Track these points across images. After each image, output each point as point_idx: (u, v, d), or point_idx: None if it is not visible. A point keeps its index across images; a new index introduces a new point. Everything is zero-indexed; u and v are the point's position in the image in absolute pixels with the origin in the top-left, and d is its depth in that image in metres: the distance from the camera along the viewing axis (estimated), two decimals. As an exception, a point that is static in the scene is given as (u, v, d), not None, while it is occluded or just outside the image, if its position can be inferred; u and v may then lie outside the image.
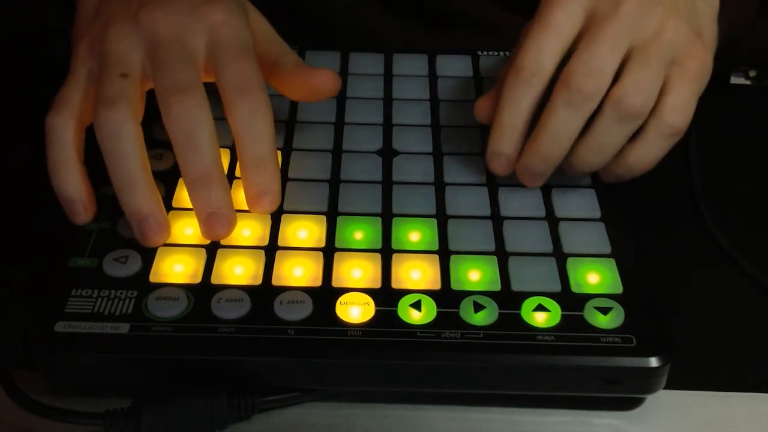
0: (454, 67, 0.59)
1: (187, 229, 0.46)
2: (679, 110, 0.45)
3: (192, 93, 0.43)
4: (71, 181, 0.45)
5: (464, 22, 0.64)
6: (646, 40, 0.44)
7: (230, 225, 0.44)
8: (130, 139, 0.43)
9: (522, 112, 0.46)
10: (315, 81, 0.48)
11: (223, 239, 0.45)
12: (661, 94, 0.45)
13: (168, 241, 0.45)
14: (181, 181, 0.48)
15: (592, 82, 0.43)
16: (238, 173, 0.49)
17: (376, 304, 0.42)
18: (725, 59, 0.57)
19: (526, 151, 0.46)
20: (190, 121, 0.43)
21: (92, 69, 0.46)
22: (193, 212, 0.46)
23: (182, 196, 0.48)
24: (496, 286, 0.43)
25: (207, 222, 0.44)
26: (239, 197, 0.48)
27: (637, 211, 0.49)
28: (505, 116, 0.46)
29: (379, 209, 0.48)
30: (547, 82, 0.45)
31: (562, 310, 0.42)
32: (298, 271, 0.44)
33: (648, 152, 0.46)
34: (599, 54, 0.44)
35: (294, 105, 0.55)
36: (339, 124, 0.54)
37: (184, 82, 0.44)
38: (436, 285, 0.43)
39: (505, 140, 0.47)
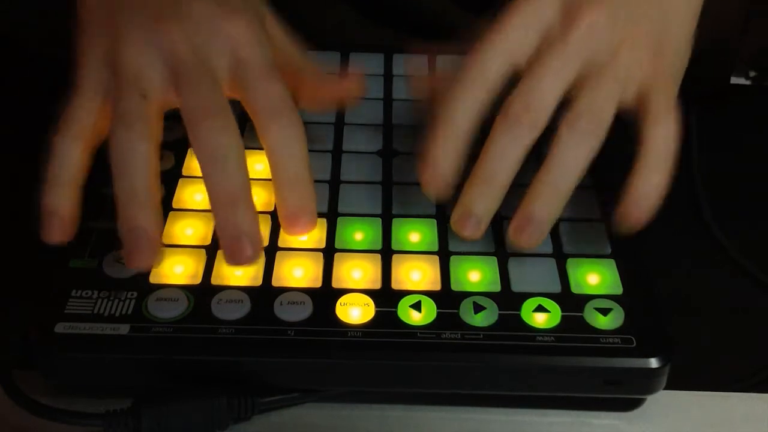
0: (454, 67, 0.59)
1: (187, 229, 0.46)
2: (664, 117, 0.43)
3: (221, 116, 0.42)
4: (62, 200, 0.42)
5: (433, 26, 0.64)
6: (599, 64, 0.43)
7: (257, 250, 0.41)
8: (144, 156, 0.42)
9: (463, 120, 0.44)
10: (344, 89, 0.49)
11: (242, 265, 0.43)
12: (643, 111, 0.44)
13: (168, 242, 0.45)
14: (181, 181, 0.48)
15: (530, 115, 0.43)
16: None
17: (376, 305, 0.42)
18: (725, 63, 0.56)
19: (468, 183, 0.44)
20: (219, 144, 0.42)
21: (103, 83, 0.44)
22: (194, 214, 0.46)
23: (182, 197, 0.48)
24: (496, 287, 0.43)
25: (232, 246, 0.41)
26: (239, 197, 0.48)
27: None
28: (446, 122, 0.44)
29: (379, 210, 0.48)
30: (492, 97, 0.44)
31: (562, 311, 0.42)
32: (298, 272, 0.44)
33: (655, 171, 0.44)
34: (540, 87, 0.43)
35: (294, 105, 0.55)
36: (339, 124, 0.54)
37: (212, 107, 0.43)
38: (436, 286, 0.43)
39: (442, 152, 0.44)
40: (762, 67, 0.66)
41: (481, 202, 0.44)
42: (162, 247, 0.43)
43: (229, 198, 0.42)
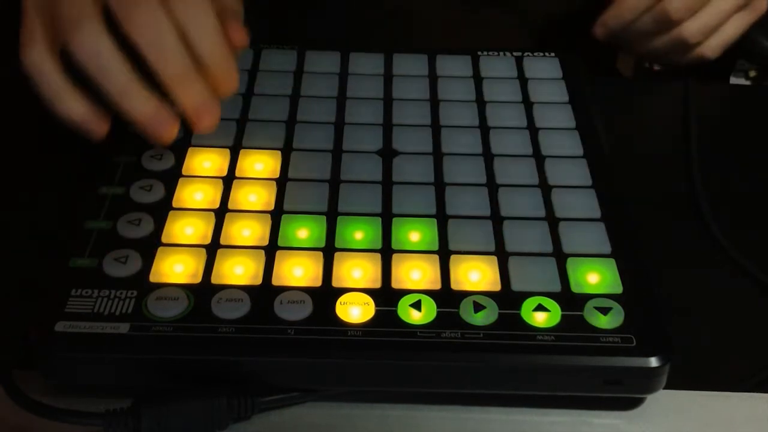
0: (454, 67, 0.59)
1: (187, 228, 0.46)
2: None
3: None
4: (75, 105, 0.45)
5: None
6: None
7: (217, 113, 0.46)
8: (109, 51, 0.44)
9: None
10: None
11: (208, 132, 0.46)
12: None
13: (168, 241, 0.45)
14: (181, 181, 0.49)
15: None
16: (238, 173, 0.50)
17: (376, 304, 0.42)
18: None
19: None
20: (157, 26, 0.44)
21: (44, 6, 0.46)
22: (194, 213, 0.46)
23: (182, 196, 0.48)
24: (496, 286, 0.43)
25: (196, 114, 0.45)
26: (239, 197, 0.48)
27: (637, 211, 0.49)
28: None
29: (379, 209, 0.47)
30: None
31: (562, 310, 0.42)
32: (298, 271, 0.44)
33: None
34: None
35: (294, 105, 0.55)
36: (339, 124, 0.54)
37: None
38: (436, 285, 0.43)
39: None
40: (762, 67, 0.67)
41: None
42: (174, 114, 0.46)
43: (182, 74, 0.44)
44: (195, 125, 0.46)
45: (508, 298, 0.43)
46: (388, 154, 0.52)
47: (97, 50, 0.44)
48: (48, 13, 0.45)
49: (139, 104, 0.44)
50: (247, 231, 0.46)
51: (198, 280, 0.43)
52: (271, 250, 0.45)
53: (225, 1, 0.49)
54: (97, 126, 0.46)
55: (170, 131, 0.46)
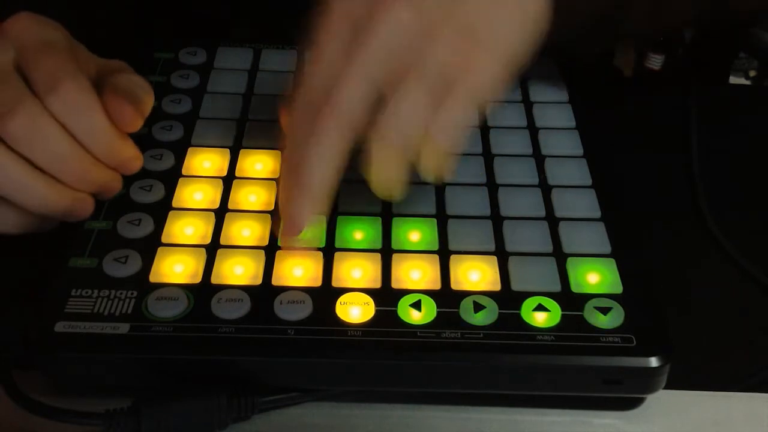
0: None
1: (187, 228, 0.46)
2: (445, 130, 0.41)
3: None
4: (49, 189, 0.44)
5: None
6: (406, 61, 0.41)
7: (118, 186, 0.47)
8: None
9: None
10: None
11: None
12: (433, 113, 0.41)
13: (168, 241, 0.45)
14: (181, 181, 0.49)
15: (335, 117, 0.40)
16: (238, 173, 0.50)
17: (376, 304, 0.42)
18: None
19: (289, 194, 0.42)
20: (44, 136, 0.43)
21: None
22: (194, 213, 0.46)
23: (182, 196, 0.48)
24: (496, 286, 0.43)
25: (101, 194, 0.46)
26: (239, 197, 0.48)
27: (637, 211, 0.49)
28: None
29: (378, 209, 0.47)
30: None
31: (562, 310, 0.42)
32: (298, 271, 0.44)
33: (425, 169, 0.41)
34: (345, 88, 0.40)
35: (294, 105, 0.55)
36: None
37: None
38: (436, 285, 0.43)
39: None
40: (762, 67, 0.67)
41: (303, 210, 0.41)
42: None
43: (83, 175, 0.45)
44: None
45: (508, 298, 0.43)
46: (388, 154, 0.51)
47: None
48: None
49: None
50: (247, 231, 0.46)
51: (198, 280, 0.43)
52: (271, 250, 0.45)
53: (117, 81, 0.46)
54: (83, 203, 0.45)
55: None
